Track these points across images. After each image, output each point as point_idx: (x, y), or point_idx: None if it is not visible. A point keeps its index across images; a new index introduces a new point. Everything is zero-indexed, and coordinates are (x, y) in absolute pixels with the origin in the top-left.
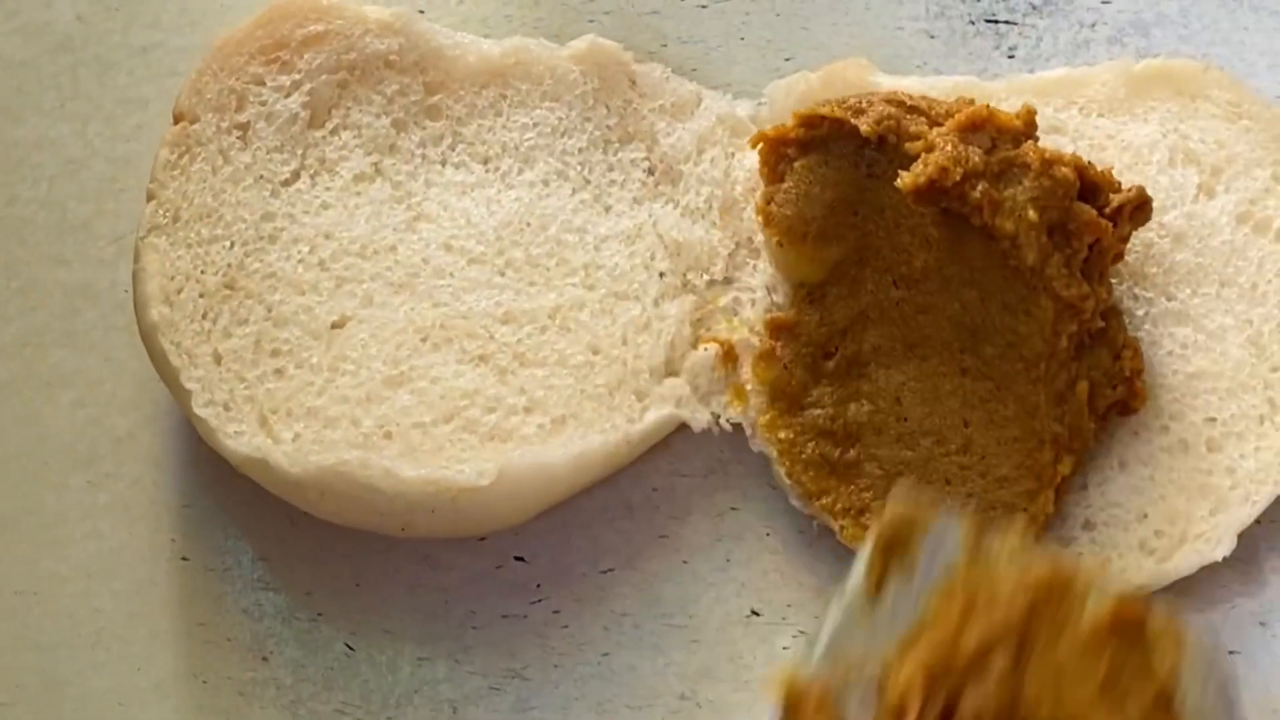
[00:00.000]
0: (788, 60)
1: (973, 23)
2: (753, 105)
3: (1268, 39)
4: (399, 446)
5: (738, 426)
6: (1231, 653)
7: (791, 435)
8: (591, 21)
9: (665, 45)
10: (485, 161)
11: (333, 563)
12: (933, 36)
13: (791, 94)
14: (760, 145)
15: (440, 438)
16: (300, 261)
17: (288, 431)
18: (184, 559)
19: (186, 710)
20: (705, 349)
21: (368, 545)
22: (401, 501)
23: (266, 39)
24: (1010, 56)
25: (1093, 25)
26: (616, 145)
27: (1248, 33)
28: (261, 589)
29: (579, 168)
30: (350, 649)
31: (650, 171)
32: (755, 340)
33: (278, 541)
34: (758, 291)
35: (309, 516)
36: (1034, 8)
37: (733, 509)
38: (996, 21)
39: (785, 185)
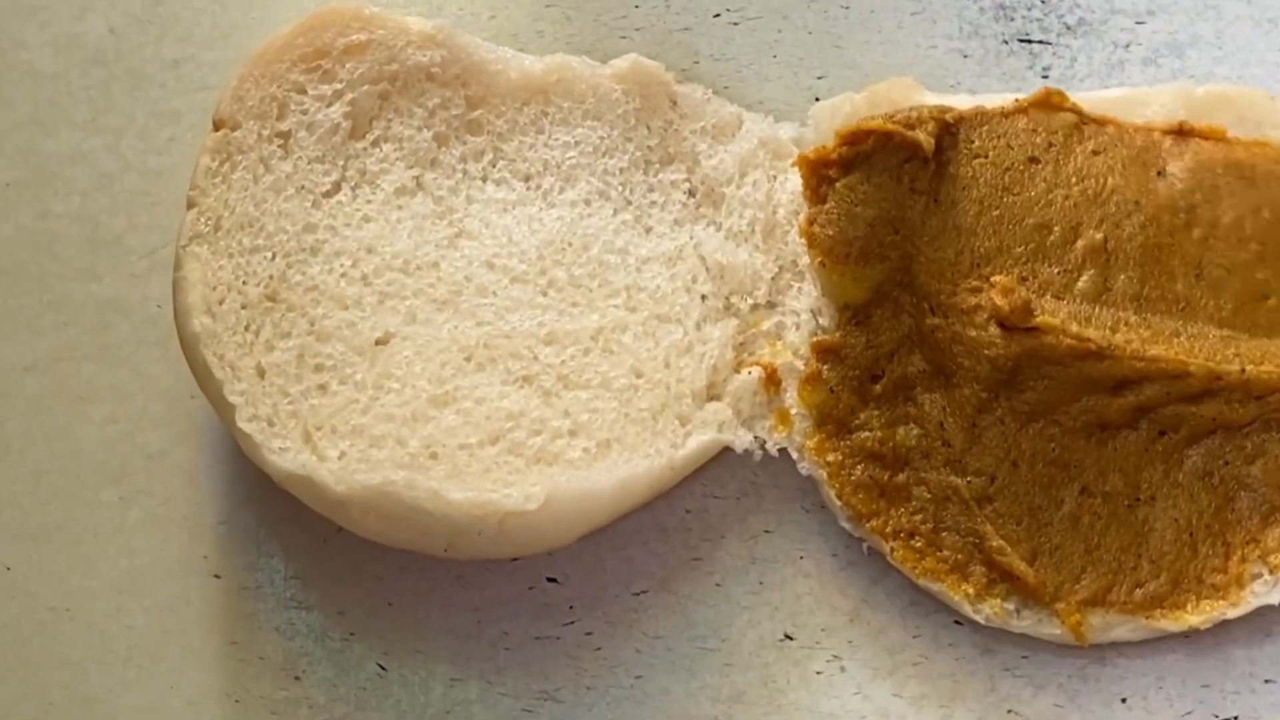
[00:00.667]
0: (820, 78)
1: (1006, 42)
2: (795, 127)
3: None
4: (445, 468)
5: (782, 451)
6: (1268, 681)
7: (840, 458)
8: (624, 38)
9: (698, 62)
10: (527, 179)
11: (366, 582)
12: (966, 56)
13: (836, 115)
14: (802, 166)
15: (486, 460)
16: (343, 275)
17: (333, 449)
18: (216, 576)
19: None
20: (748, 372)
21: (400, 565)
22: (448, 523)
23: (308, 46)
24: (1044, 77)
25: (1127, 46)
26: (658, 166)
27: None
28: (294, 607)
29: (620, 188)
30: (383, 669)
31: (692, 193)
32: (800, 364)
33: (311, 560)
34: (802, 315)
35: (342, 535)
36: (1068, 28)
37: (766, 532)
38: (1030, 41)
39: (828, 205)
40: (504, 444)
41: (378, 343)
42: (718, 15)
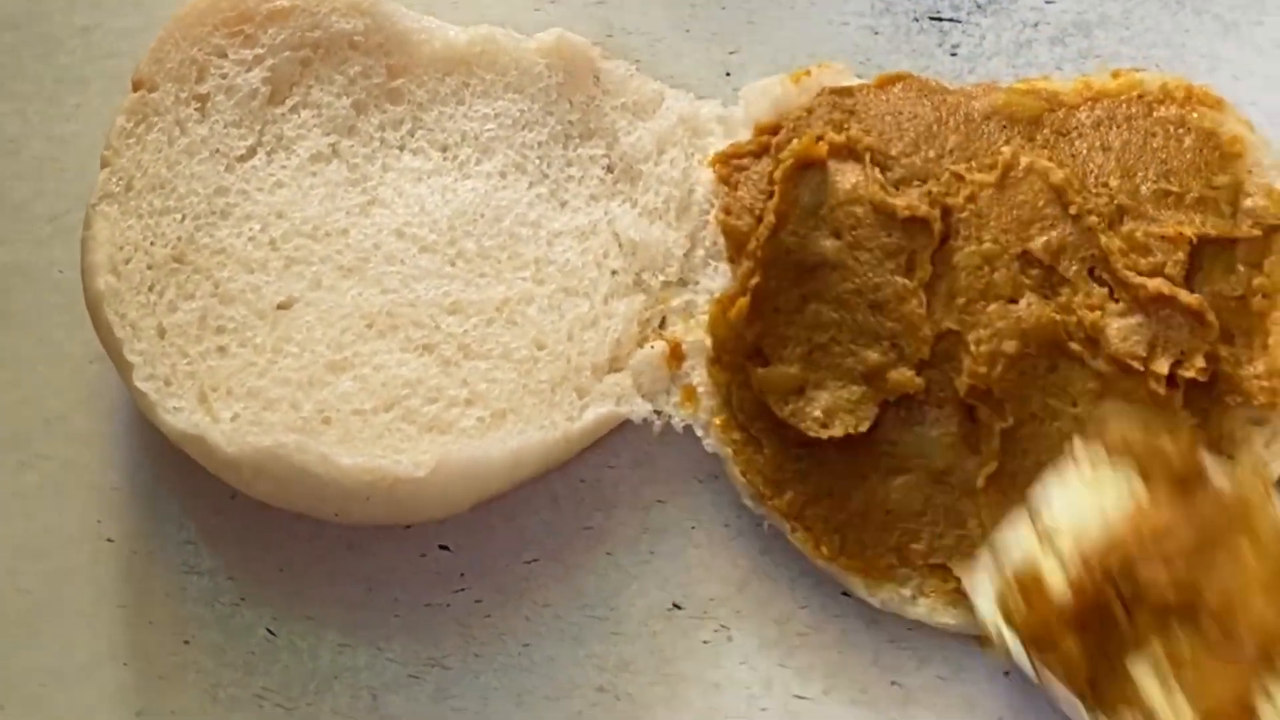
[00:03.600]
0: (732, 54)
1: (916, 19)
2: (716, 105)
3: (1209, 42)
4: (337, 432)
5: (686, 427)
6: None
7: (745, 437)
8: (538, 10)
9: (611, 35)
10: (444, 149)
11: (258, 548)
12: (877, 33)
13: (766, 96)
14: (715, 163)
15: (379, 426)
16: (251, 239)
17: (227, 410)
18: (110, 540)
19: (108, 692)
20: (651, 346)
21: (293, 531)
22: (337, 488)
23: (230, 10)
24: (953, 54)
25: (1035, 25)
26: (577, 141)
27: (1189, 35)
28: (186, 572)
29: (538, 161)
30: (272, 634)
31: (609, 169)
32: (709, 342)
33: (205, 526)
34: (717, 294)
35: (237, 501)
36: (978, 6)
37: (659, 502)
38: (940, 19)
39: (739, 193)
40: (398, 411)
41: (280, 307)
42: None
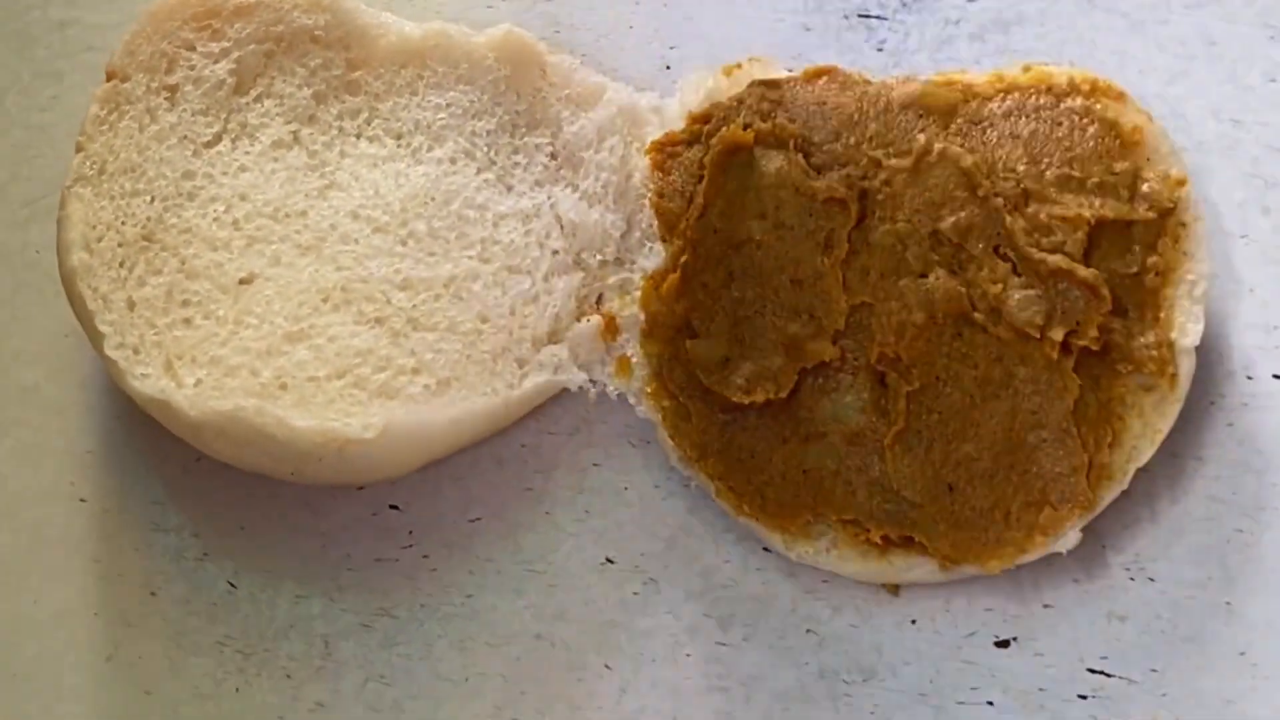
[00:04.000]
0: (672, 49)
1: (846, 17)
2: (655, 97)
3: (1117, 39)
4: (293, 397)
5: (620, 395)
6: (1046, 606)
7: (675, 404)
8: (489, 8)
9: (558, 31)
10: (398, 137)
11: (221, 508)
12: (809, 29)
13: (700, 88)
14: (650, 151)
15: (332, 392)
16: (215, 220)
17: (190, 377)
18: (82, 500)
19: (78, 640)
20: (587, 320)
21: (253, 492)
22: (292, 449)
23: (200, 6)
24: (880, 50)
25: (957, 22)
26: (524, 130)
27: (1099, 32)
28: (153, 530)
29: (486, 149)
30: (233, 586)
31: (553, 156)
32: (643, 316)
33: (171, 487)
34: (651, 272)
35: (201, 464)
36: (904, 4)
37: (595, 465)
38: (869, 16)
39: (672, 178)
40: (350, 378)
41: (242, 282)
42: None
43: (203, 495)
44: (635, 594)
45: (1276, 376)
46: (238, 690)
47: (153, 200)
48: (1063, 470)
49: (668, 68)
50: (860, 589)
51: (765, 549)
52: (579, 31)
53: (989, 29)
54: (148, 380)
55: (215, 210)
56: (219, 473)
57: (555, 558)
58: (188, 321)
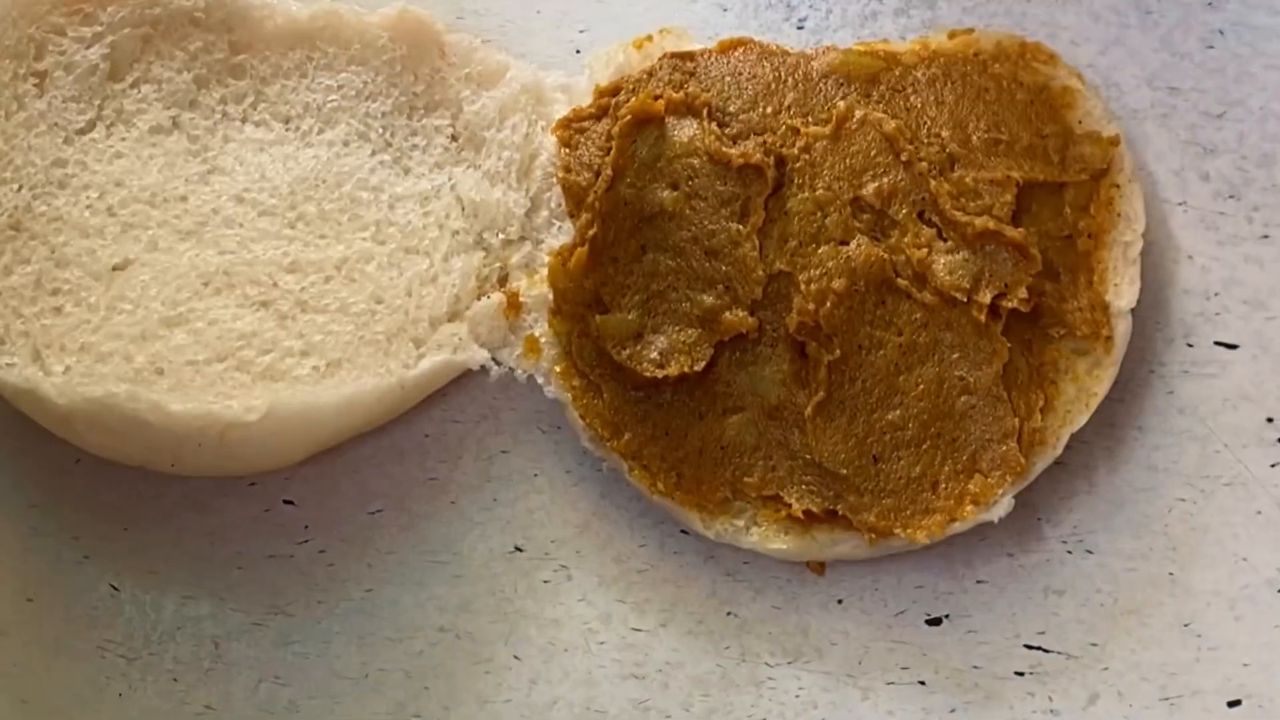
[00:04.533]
0: (582, 32)
1: None
2: (562, 75)
3: (1048, 10)
4: (170, 382)
5: (528, 378)
6: (980, 582)
7: (585, 383)
8: None
9: (461, 18)
10: (286, 121)
11: (102, 509)
12: (725, 10)
13: (610, 63)
14: (557, 128)
15: (212, 375)
16: (88, 207)
17: (59, 365)
18: None
19: None
20: (488, 298)
21: (137, 491)
22: (169, 436)
23: None
24: (800, 28)
25: None
26: (422, 112)
27: (1030, 5)
28: (31, 534)
29: (381, 131)
30: (115, 589)
31: (454, 138)
32: (551, 295)
33: (49, 489)
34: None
35: (81, 465)
36: None
37: (503, 452)
38: None
39: (579, 152)
40: (232, 361)
41: (115, 269)
42: None
43: (83, 497)
44: (545, 582)
45: (1218, 344)
46: (121, 695)
47: (20, 189)
48: (993, 436)
49: (577, 52)
50: (783, 569)
51: (683, 532)
52: (483, 17)
53: (914, 4)
54: (13, 370)
55: (88, 197)
56: (100, 473)
57: (461, 547)
58: (57, 310)
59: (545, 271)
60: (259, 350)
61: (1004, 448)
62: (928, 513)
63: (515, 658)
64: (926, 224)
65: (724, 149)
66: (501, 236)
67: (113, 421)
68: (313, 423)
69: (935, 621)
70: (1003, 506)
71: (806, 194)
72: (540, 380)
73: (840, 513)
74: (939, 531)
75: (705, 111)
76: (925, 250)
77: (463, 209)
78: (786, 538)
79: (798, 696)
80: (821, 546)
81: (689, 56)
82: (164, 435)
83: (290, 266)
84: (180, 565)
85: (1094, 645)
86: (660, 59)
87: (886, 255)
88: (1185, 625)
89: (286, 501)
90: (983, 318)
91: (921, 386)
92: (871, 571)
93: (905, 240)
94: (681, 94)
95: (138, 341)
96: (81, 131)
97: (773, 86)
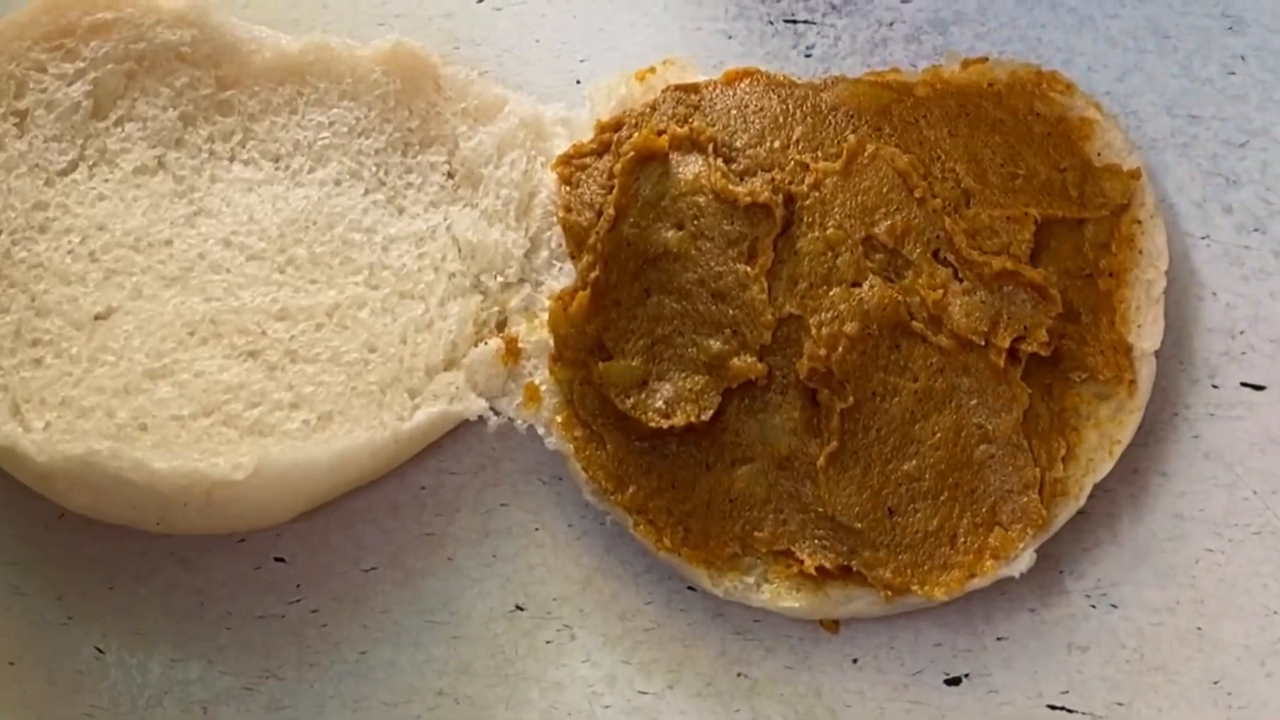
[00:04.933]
0: (583, 62)
1: (771, 23)
2: (561, 108)
3: (1064, 35)
4: (154, 438)
5: (528, 428)
6: (1000, 639)
7: (587, 433)
8: (381, 25)
9: (458, 48)
10: (276, 159)
11: (86, 566)
12: (730, 37)
13: (612, 95)
14: (557, 165)
15: (198, 431)
16: (70, 252)
17: (39, 420)
18: None
19: None
20: (485, 344)
21: (122, 547)
22: (153, 495)
23: (51, 25)
24: (808, 55)
25: (891, 24)
26: (417, 148)
27: (1044, 30)
28: (11, 594)
29: (374, 169)
30: (100, 651)
31: (450, 175)
32: (551, 340)
33: (30, 546)
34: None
35: (64, 521)
36: (833, 7)
37: (502, 505)
38: (795, 21)
39: (580, 190)
40: (218, 416)
41: (98, 317)
42: (480, 0)
43: (66, 554)
44: (548, 642)
45: (1244, 385)
46: None
47: (0, 234)
48: (1013, 487)
49: (578, 82)
50: (795, 627)
51: (690, 588)
52: (480, 46)
53: (925, 30)
54: None
55: (70, 242)
56: (83, 529)
57: (459, 606)
58: (38, 361)
59: (545, 316)
60: (247, 403)
61: (1025, 499)
62: (946, 568)
63: None
64: (942, 264)
65: (731, 187)
66: (500, 279)
67: (95, 480)
68: (303, 480)
69: (954, 681)
70: (1024, 560)
71: (817, 233)
72: (541, 431)
73: (855, 568)
74: (958, 588)
75: (711, 147)
76: (941, 291)
77: (459, 250)
78: (799, 595)
79: None
80: (835, 604)
81: (693, 89)
82: (148, 494)
83: (279, 314)
84: (167, 625)
85: (1120, 704)
86: (663, 91)
87: (900, 297)
88: (1215, 683)
89: (277, 559)
90: (1001, 362)
91: (938, 435)
92: (887, 629)
93: (920, 281)
94: (686, 129)
95: (120, 395)
96: (63, 173)
97: (780, 120)
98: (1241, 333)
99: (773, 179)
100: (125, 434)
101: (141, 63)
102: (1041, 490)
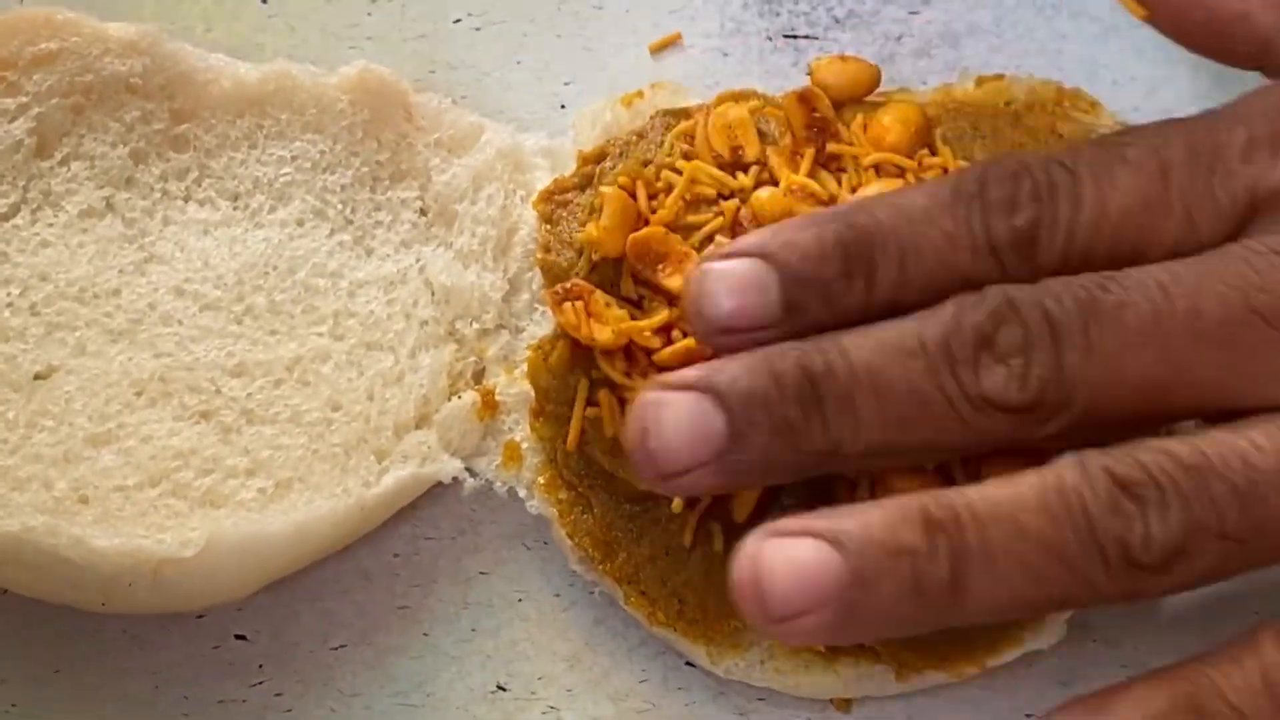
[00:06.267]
0: (567, 84)
1: (770, 39)
2: (542, 137)
3: (1086, 47)
4: (95, 512)
5: (510, 491)
6: (1029, 716)
7: (572, 495)
8: (353, 48)
9: (434, 71)
10: (234, 198)
11: (31, 647)
12: (726, 54)
13: (597, 124)
14: (537, 204)
15: (144, 503)
16: (9, 305)
17: None
18: None
19: None
20: (459, 397)
21: (71, 628)
22: (94, 574)
23: None
24: (809, 74)
25: (899, 38)
26: (387, 183)
27: (1065, 41)
28: None
29: (340, 206)
30: None
31: (423, 212)
32: (533, 392)
33: None
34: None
35: (3, 598)
36: (836, 21)
37: (482, 574)
38: (795, 37)
39: (559, 228)
40: (167, 485)
41: (38, 377)
42: (458, 20)
43: (8, 634)
44: None
45: None
46: None
47: None
48: None
49: (562, 107)
50: (804, 706)
51: (688, 664)
52: (457, 70)
53: (936, 43)
54: None
55: (8, 295)
56: (27, 607)
57: (435, 687)
58: None
59: (525, 366)
60: (198, 471)
61: None
62: (967, 643)
63: None
64: None
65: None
66: (476, 326)
67: (29, 559)
68: (260, 555)
69: None
70: (1054, 631)
71: None
72: (522, 493)
73: (867, 643)
74: (980, 665)
75: None
76: None
77: (432, 295)
78: (807, 673)
79: None
80: (847, 683)
81: (684, 114)
82: (89, 574)
83: (235, 369)
84: (120, 713)
85: None
86: (651, 117)
87: None
88: None
89: (238, 636)
90: None
91: None
92: (905, 709)
93: None
94: None
95: (59, 464)
96: (4, 217)
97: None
98: None
99: None
100: (64, 507)
101: (89, 96)
102: None
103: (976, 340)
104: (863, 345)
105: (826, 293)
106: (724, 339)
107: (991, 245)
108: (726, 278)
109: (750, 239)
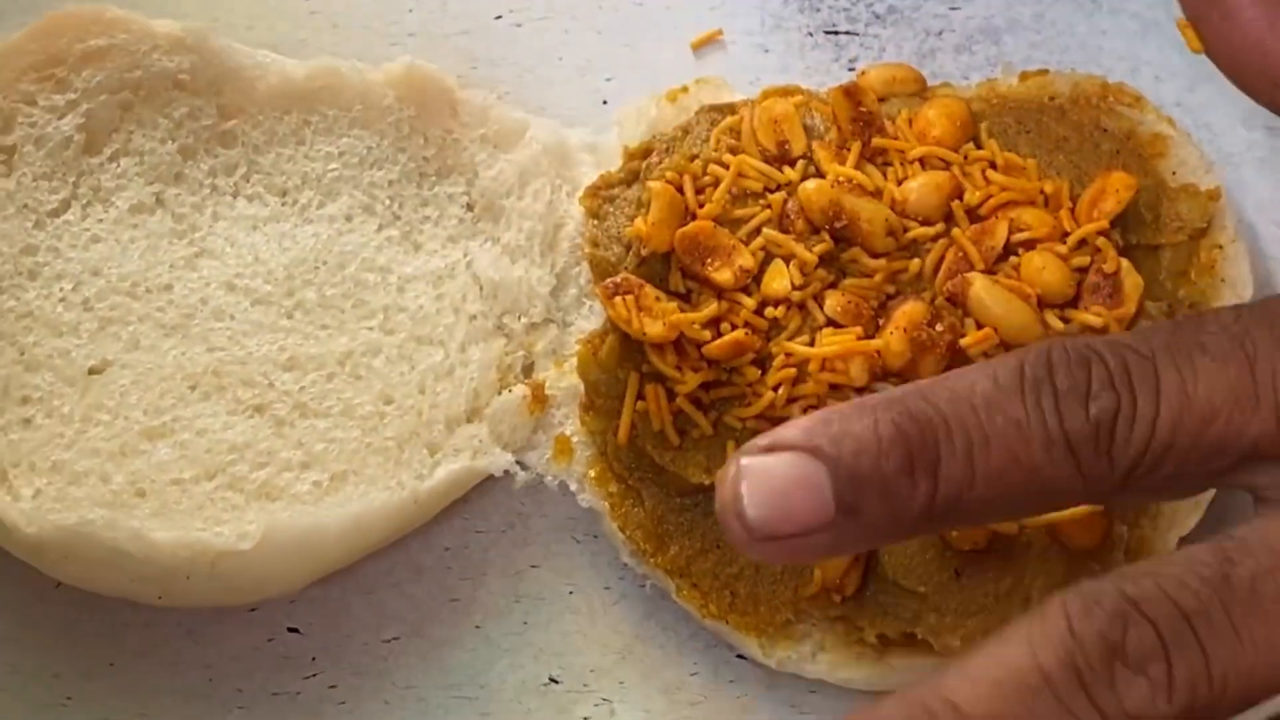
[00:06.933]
0: (609, 80)
1: (810, 34)
2: (588, 132)
3: (1127, 43)
4: (153, 505)
5: (559, 483)
6: None
7: (623, 488)
8: (395, 45)
9: (475, 68)
10: (283, 194)
11: (85, 641)
12: (767, 50)
13: (641, 118)
14: (584, 199)
15: (200, 496)
16: (61, 300)
17: (29, 488)
18: None
19: None
20: (509, 391)
21: (124, 620)
22: (153, 567)
23: (40, 54)
24: (850, 69)
25: (939, 33)
26: (433, 179)
27: (1106, 36)
28: (6, 673)
29: (388, 202)
30: None
31: (469, 207)
32: (582, 386)
33: (24, 620)
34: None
35: (60, 592)
36: (876, 17)
37: (533, 567)
38: (836, 33)
39: (606, 224)
40: (222, 478)
41: (92, 372)
42: (499, 17)
43: (64, 628)
44: (586, 718)
45: None
46: None
47: None
48: (1091, 545)
49: (604, 102)
50: (856, 697)
51: (740, 656)
52: (499, 67)
53: (977, 38)
54: None
55: (61, 289)
56: (81, 601)
57: (488, 680)
58: (27, 422)
59: (574, 360)
60: (253, 464)
61: (1105, 558)
62: None
63: None
64: None
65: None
66: (524, 320)
67: (89, 551)
68: (315, 547)
69: None
70: None
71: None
72: (573, 486)
73: (919, 636)
74: None
75: None
76: None
77: (480, 289)
78: (858, 665)
79: None
80: (899, 674)
81: (729, 109)
82: (147, 567)
83: (287, 364)
84: (173, 705)
85: None
86: (697, 113)
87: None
88: None
89: (291, 629)
90: None
91: None
92: None
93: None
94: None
95: (116, 458)
96: (54, 213)
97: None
98: None
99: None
100: (121, 501)
101: (137, 92)
102: (1126, 550)
103: (1104, 652)
104: (977, 696)
105: (886, 491)
106: (766, 548)
107: (1066, 438)
108: (771, 477)
109: (793, 430)
